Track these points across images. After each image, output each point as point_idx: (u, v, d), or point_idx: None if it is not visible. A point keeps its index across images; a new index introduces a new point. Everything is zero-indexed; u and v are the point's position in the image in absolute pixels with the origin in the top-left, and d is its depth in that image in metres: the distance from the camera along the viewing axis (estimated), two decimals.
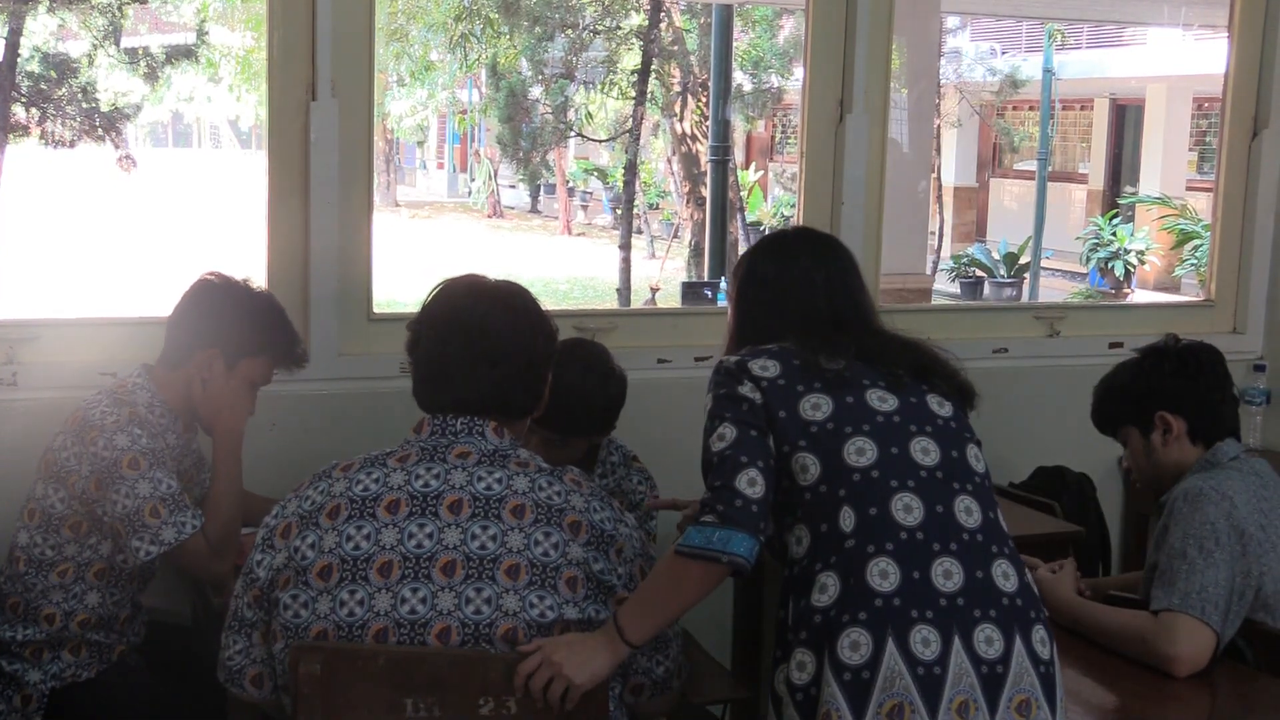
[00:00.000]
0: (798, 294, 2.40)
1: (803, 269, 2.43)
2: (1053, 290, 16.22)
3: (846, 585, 2.06)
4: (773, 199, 20.26)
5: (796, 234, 2.59)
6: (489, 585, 2.06)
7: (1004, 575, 2.11)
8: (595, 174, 22.47)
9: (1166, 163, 18.00)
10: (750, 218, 18.27)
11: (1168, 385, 2.86)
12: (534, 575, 2.08)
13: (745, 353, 2.28)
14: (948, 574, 2.07)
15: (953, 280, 16.57)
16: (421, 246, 17.78)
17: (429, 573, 2.07)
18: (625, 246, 14.59)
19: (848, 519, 2.10)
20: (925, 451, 2.17)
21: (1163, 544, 2.68)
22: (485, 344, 2.21)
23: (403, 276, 10.85)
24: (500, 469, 2.16)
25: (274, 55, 3.40)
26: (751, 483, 2.10)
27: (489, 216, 23.65)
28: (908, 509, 2.10)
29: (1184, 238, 15.29)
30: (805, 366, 2.23)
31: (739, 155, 19.94)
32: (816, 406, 2.18)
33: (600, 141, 18.76)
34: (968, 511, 2.14)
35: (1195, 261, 14.52)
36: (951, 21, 17.26)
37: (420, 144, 28.92)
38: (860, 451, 2.14)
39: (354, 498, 2.14)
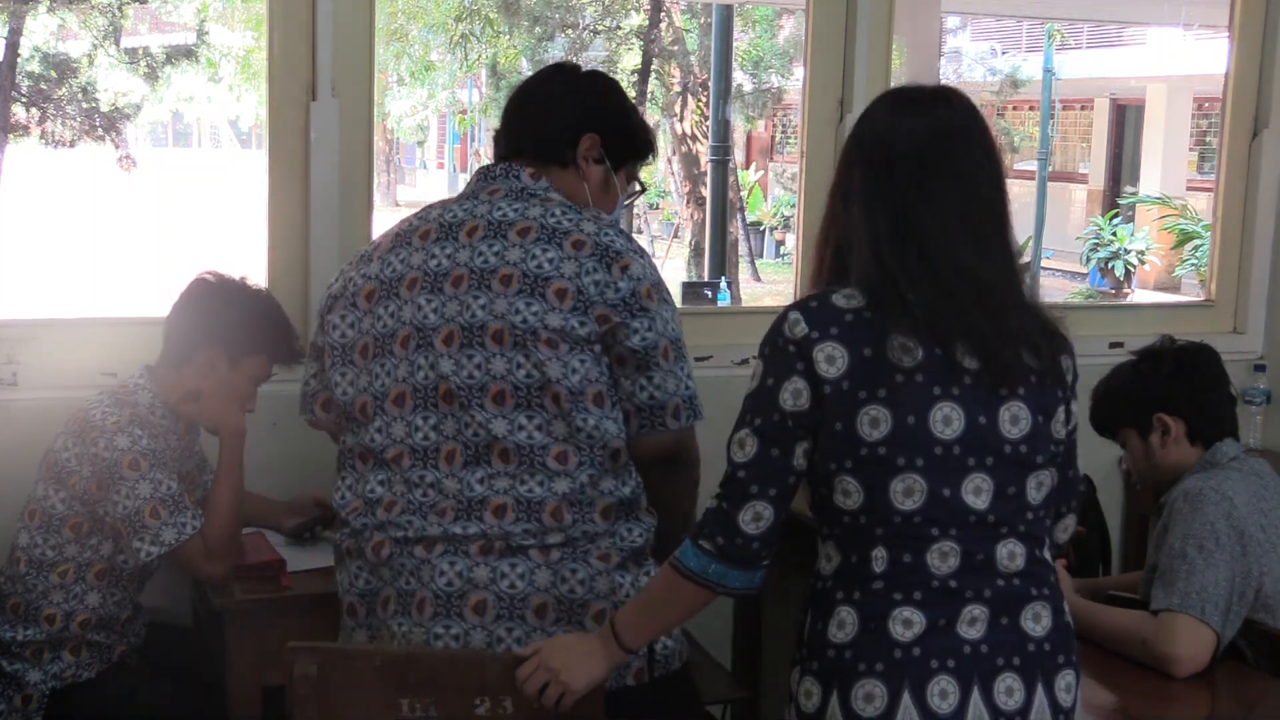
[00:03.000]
0: (946, 212, 1.95)
1: (976, 163, 1.99)
2: (1053, 290, 16.20)
3: (866, 630, 1.93)
4: (773, 199, 20.27)
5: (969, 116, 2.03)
6: (485, 294, 2.29)
7: (1034, 618, 1.97)
8: None
9: (1167, 163, 18.01)
10: (750, 218, 18.30)
11: (1165, 387, 2.86)
12: (524, 284, 2.27)
13: (815, 316, 1.94)
14: (973, 621, 1.93)
15: None
16: None
17: (432, 341, 2.31)
18: None
19: (879, 560, 1.93)
20: (978, 492, 1.93)
21: (1162, 544, 2.69)
22: (530, 97, 2.52)
23: None
24: (523, 203, 2.37)
25: (274, 55, 3.40)
26: (756, 518, 1.96)
27: None
28: (944, 556, 1.93)
29: (1184, 238, 15.30)
30: (874, 361, 1.92)
31: (739, 155, 19.95)
32: (875, 423, 1.91)
33: None
34: (1010, 556, 1.96)
35: (1195, 262, 14.52)
36: (952, 21, 17.27)
37: (420, 144, 28.92)
38: (908, 492, 1.91)
39: (384, 280, 2.38)
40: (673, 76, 14.98)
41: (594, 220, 2.35)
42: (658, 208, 20.35)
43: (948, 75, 17.34)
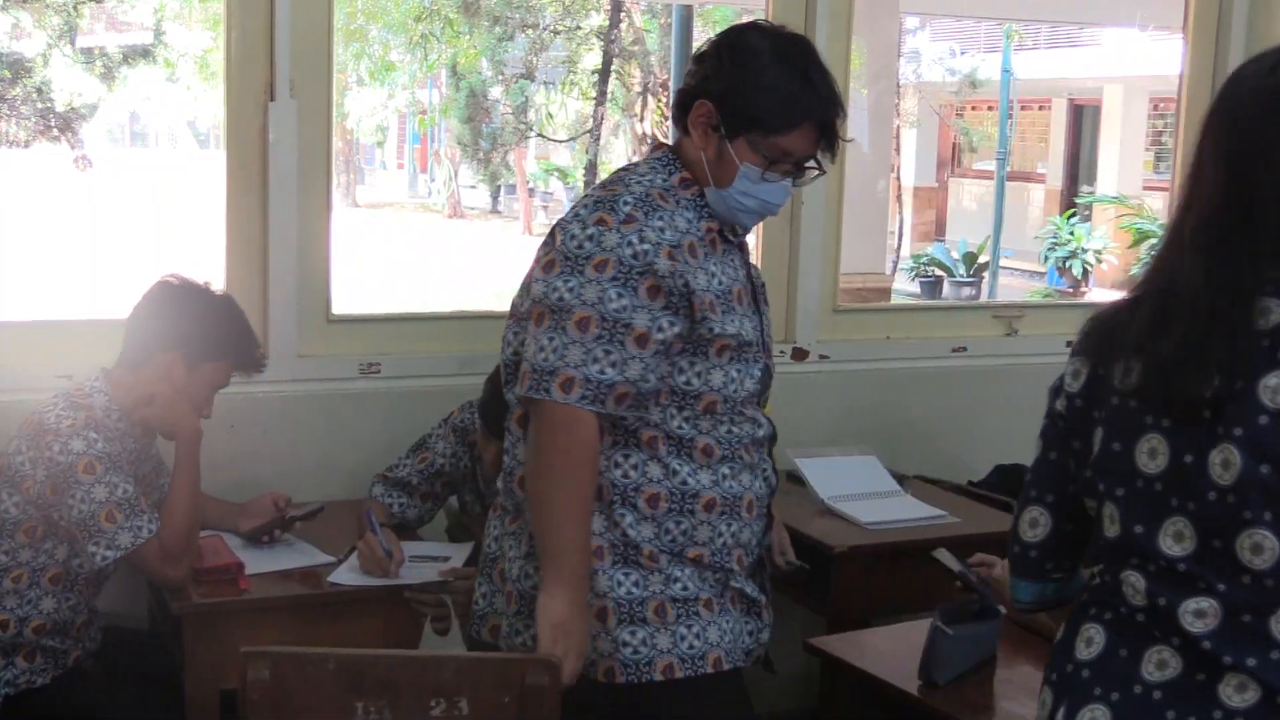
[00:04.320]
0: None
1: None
2: (1012, 289, 16.31)
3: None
4: None
5: None
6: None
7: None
8: (556, 174, 22.44)
9: (1123, 162, 18.15)
10: None
11: None
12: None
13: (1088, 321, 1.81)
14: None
15: (912, 279, 16.65)
16: (381, 248, 17.70)
17: None
18: None
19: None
20: (1179, 538, 1.66)
21: None
22: None
23: (362, 278, 10.80)
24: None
25: (232, 55, 3.38)
26: (1033, 524, 1.85)
27: (449, 217, 23.57)
28: (1135, 588, 1.71)
29: (1141, 236, 15.41)
30: (1101, 381, 1.75)
31: None
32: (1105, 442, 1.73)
33: (561, 142, 18.74)
34: (1198, 614, 1.66)
35: None
36: (911, 22, 17.35)
37: (380, 144, 28.80)
38: (1111, 519, 1.73)
39: None
40: (633, 77, 14.99)
41: (604, 188, 2.38)
42: None
43: (907, 75, 17.44)
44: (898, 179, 16.34)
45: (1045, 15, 14.48)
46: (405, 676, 2.07)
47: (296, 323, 3.45)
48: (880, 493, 3.55)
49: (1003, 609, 2.66)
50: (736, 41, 2.36)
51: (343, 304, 3.60)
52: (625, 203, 2.29)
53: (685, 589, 2.36)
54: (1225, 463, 1.62)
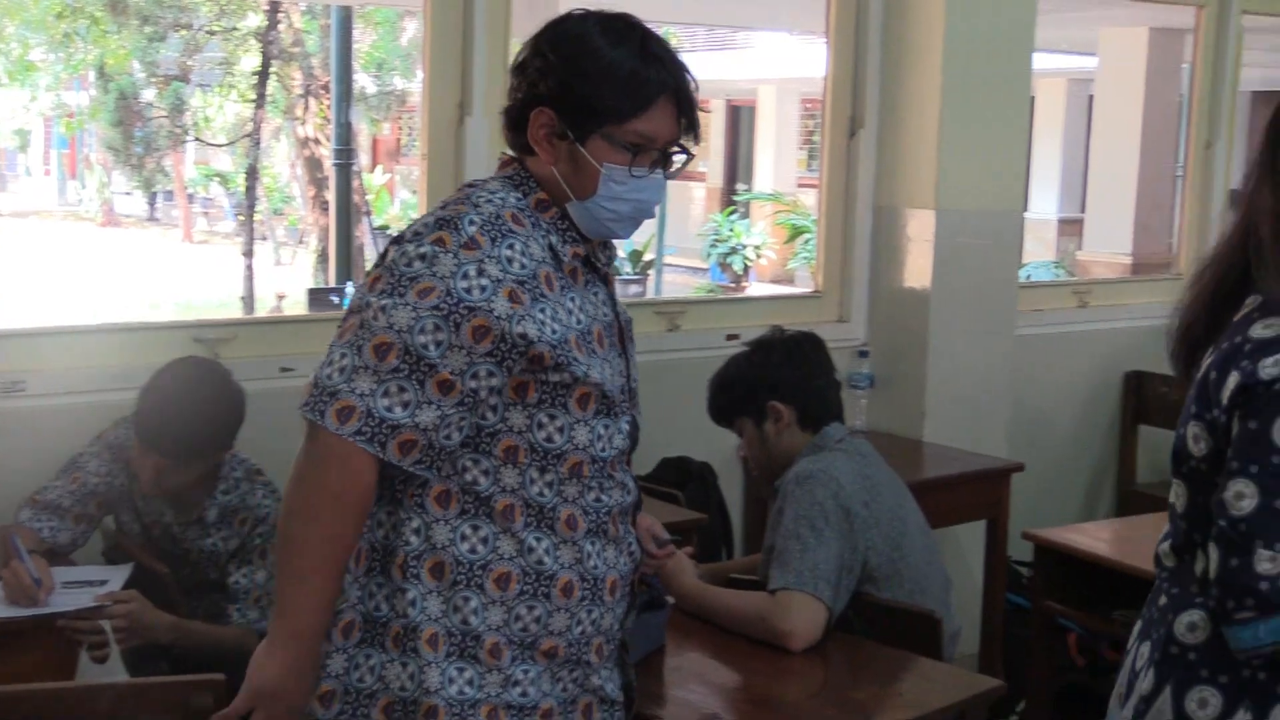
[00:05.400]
0: None
1: None
2: (676, 286, 16.73)
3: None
4: (400, 202, 20.09)
5: None
6: None
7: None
8: (216, 179, 21.73)
9: (778, 161, 18.85)
10: (378, 221, 18.09)
11: (775, 375, 3.00)
12: None
13: None
14: None
15: None
16: (28, 258, 16.79)
17: None
18: (249, 254, 14.20)
19: None
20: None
21: (777, 526, 2.81)
22: None
23: (4, 291, 10.21)
24: None
25: None
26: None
27: (103, 226, 22.53)
28: None
29: (795, 232, 16.05)
30: None
31: (365, 158, 19.69)
32: None
33: (219, 146, 18.16)
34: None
35: (807, 255, 15.27)
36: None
37: (23, 149, 27.28)
38: None
39: None
40: (293, 79, 14.65)
41: (448, 205, 2.04)
42: (282, 213, 19.88)
43: None
44: None
45: (702, 19, 14.91)
46: (57, 711, 1.97)
47: None
48: None
49: (670, 599, 2.74)
50: (557, 34, 2.07)
51: None
52: (470, 223, 1.97)
53: (525, 695, 2.02)
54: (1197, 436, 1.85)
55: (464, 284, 1.92)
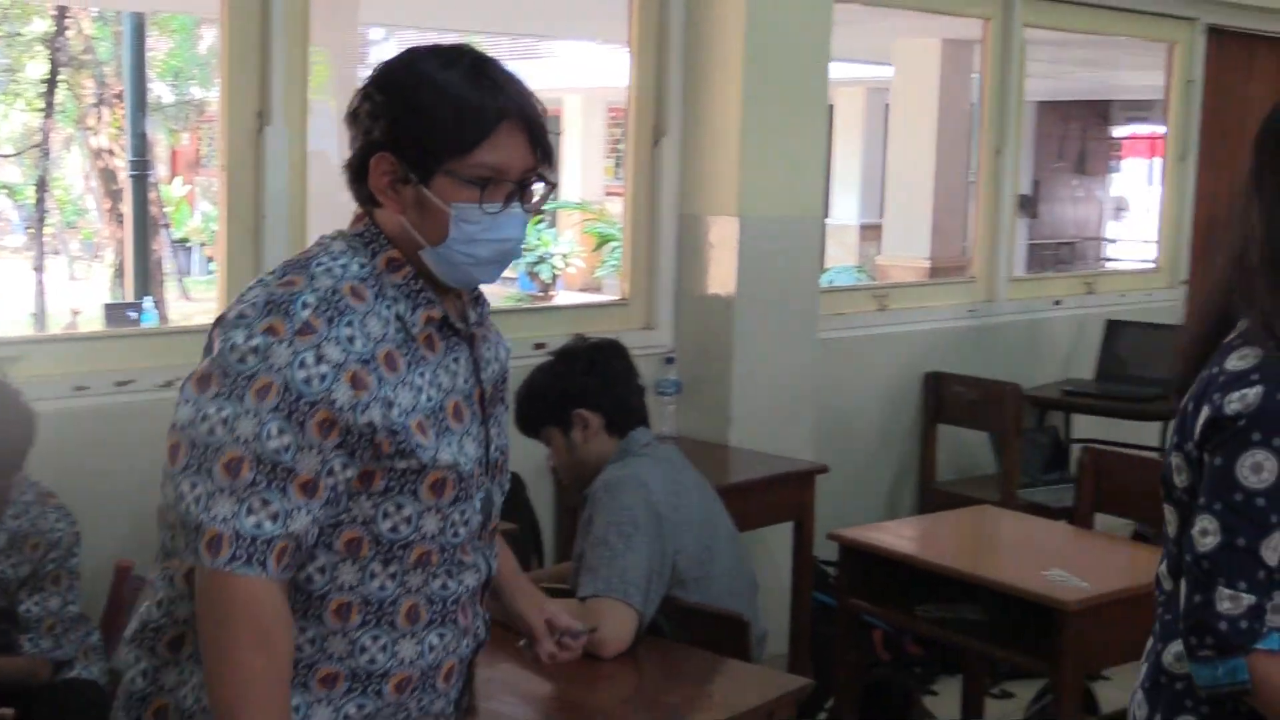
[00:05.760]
0: None
1: None
2: (486, 295, 16.64)
3: None
4: (200, 214, 19.62)
5: None
6: None
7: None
8: (4, 191, 20.92)
9: (585, 169, 18.91)
10: (177, 234, 17.64)
11: (580, 384, 3.02)
12: None
13: None
14: None
15: None
16: None
17: None
18: (40, 268, 13.73)
19: None
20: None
21: (587, 534, 2.83)
22: None
23: None
24: None
25: None
26: None
27: None
28: None
29: (603, 240, 16.13)
30: None
31: (164, 169, 19.17)
32: None
33: (5, 156, 17.50)
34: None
35: (615, 263, 15.36)
36: (377, 32, 17.36)
37: None
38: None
39: None
40: (85, 87, 14.19)
41: (282, 277, 1.86)
42: (75, 226, 19.24)
43: None
44: None
45: (506, 28, 14.88)
46: None
47: None
48: None
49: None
50: (384, 73, 1.92)
51: None
52: (304, 305, 1.79)
53: None
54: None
55: (302, 374, 1.76)
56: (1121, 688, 4.39)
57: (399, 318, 1.86)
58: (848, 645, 3.81)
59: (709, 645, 2.77)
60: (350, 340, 1.79)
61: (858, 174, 15.91)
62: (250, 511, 1.74)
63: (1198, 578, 1.77)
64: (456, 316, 1.94)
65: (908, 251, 10.33)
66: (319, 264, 1.86)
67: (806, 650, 4.32)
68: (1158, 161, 7.34)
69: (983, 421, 5.36)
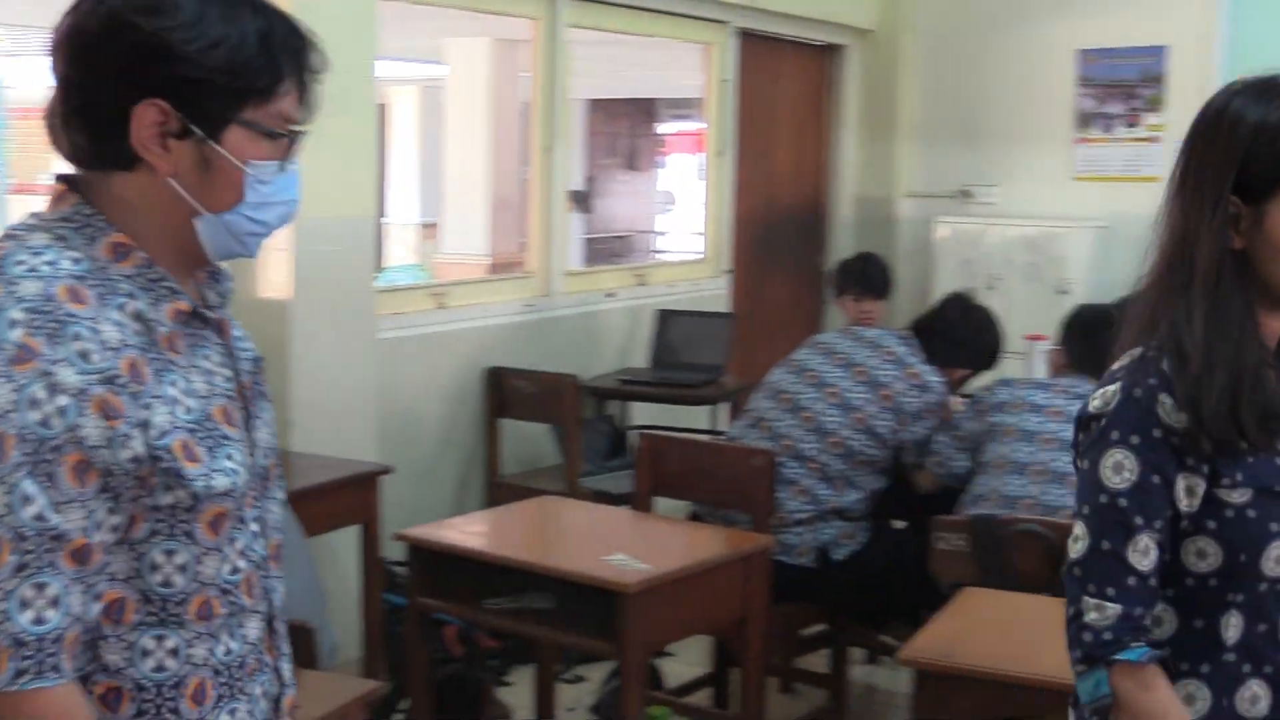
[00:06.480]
0: None
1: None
2: None
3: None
4: None
5: None
6: None
7: None
8: None
9: None
10: None
11: None
12: None
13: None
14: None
15: None
16: None
17: None
18: None
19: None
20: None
21: None
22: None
23: None
24: None
25: None
26: None
27: None
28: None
29: None
30: None
31: None
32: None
33: None
34: None
35: None
36: None
37: None
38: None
39: None
40: None
41: None
42: None
43: None
44: None
45: (36, 22, 14.02)
46: None
47: None
48: None
49: None
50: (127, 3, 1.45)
51: None
52: (12, 324, 1.38)
53: None
54: None
55: (35, 415, 1.36)
56: (684, 663, 4.63)
57: (139, 317, 1.46)
58: (417, 644, 3.82)
59: None
60: (84, 359, 1.38)
61: (416, 173, 15.92)
62: (25, 605, 1.36)
63: (1069, 587, 1.73)
64: (200, 303, 1.56)
65: (467, 249, 10.44)
66: (16, 264, 1.43)
67: (381, 653, 4.29)
68: (701, 157, 7.71)
69: (544, 413, 5.48)
